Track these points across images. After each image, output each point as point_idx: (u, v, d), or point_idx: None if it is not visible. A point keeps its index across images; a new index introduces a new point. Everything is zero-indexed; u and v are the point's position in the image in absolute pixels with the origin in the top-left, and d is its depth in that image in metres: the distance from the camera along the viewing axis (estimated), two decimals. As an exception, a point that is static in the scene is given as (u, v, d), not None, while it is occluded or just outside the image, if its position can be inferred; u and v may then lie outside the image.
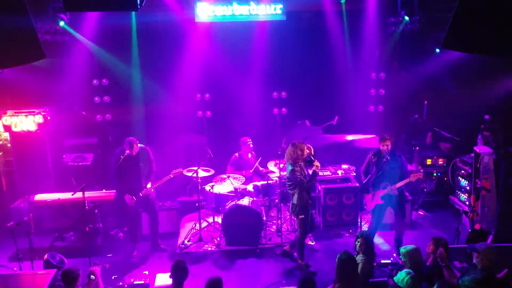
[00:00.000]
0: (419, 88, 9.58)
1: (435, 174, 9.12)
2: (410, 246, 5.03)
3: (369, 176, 7.07)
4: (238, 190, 7.94)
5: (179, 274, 4.84)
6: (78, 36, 8.75)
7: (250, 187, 8.09)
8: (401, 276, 4.60)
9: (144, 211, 7.68)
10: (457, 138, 9.19)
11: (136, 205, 7.32)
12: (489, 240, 6.79)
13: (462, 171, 8.40)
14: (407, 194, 8.46)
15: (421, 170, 8.06)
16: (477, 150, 7.72)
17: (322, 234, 8.10)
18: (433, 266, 5.09)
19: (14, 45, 4.19)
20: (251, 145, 8.57)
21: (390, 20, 9.29)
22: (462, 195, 8.40)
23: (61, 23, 8.27)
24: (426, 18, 8.74)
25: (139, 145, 7.28)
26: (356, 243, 5.46)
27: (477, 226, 6.97)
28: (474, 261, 4.73)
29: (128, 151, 7.06)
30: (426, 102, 9.21)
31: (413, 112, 9.59)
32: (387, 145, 6.97)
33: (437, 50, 8.98)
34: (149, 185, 7.42)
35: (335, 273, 4.80)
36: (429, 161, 9.11)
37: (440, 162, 9.11)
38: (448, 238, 5.68)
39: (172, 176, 7.68)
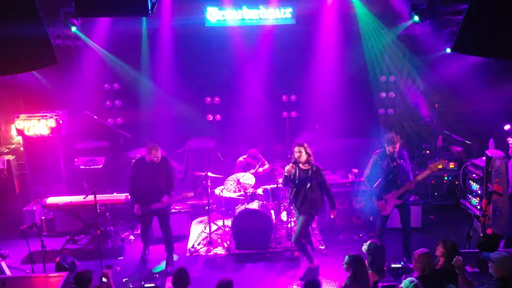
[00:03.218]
0: (429, 91, 9.53)
1: (446, 178, 9.05)
2: (421, 250, 4.99)
3: (379, 180, 6.92)
4: (248, 194, 7.95)
5: (179, 284, 4.84)
6: (89, 42, 8.84)
7: (260, 191, 8.10)
8: (405, 283, 4.53)
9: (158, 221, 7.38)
10: (468, 141, 9.12)
11: (146, 214, 7.10)
12: (501, 245, 6.73)
13: (474, 175, 8.33)
14: (417, 197, 8.43)
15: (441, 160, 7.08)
16: (489, 154, 7.66)
17: (332, 238, 8.08)
18: (443, 270, 5.04)
19: (27, 50, 4.24)
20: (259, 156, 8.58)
21: (401, 23, 9.26)
22: (474, 199, 8.33)
23: (73, 29, 8.35)
24: (436, 20, 8.70)
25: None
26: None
27: (489, 231, 6.90)
28: (490, 271, 4.67)
29: (149, 158, 6.83)
30: (436, 105, 9.16)
31: (424, 115, 9.54)
32: (395, 148, 6.86)
33: (448, 50, 8.91)
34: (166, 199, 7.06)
35: (348, 274, 4.80)
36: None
37: (451, 166, 9.04)
38: (459, 243, 5.63)
39: (182, 197, 7.45)
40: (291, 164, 6.59)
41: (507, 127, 8.05)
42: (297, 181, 6.61)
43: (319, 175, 6.61)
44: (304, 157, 6.55)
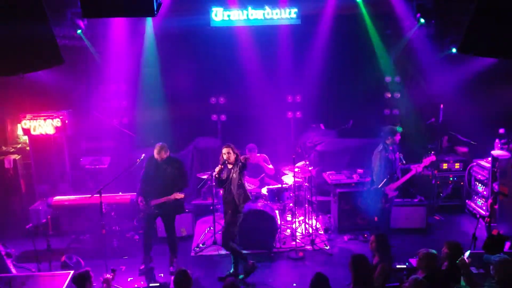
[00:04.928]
0: (435, 92, 9.50)
1: (451, 179, 9.03)
2: (426, 249, 4.99)
3: (393, 172, 6.99)
4: (252, 194, 7.95)
5: (180, 285, 4.85)
6: (91, 47, 8.87)
7: (264, 191, 8.10)
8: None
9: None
10: (474, 142, 9.09)
11: (150, 211, 7.08)
12: (507, 246, 6.69)
13: (479, 176, 8.30)
14: (422, 198, 8.41)
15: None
16: (494, 155, 7.63)
17: (337, 239, 8.08)
18: (449, 271, 5.04)
19: (34, 51, 4.27)
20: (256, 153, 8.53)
21: (406, 24, 9.24)
22: (479, 199, 8.30)
23: (78, 31, 8.38)
24: (442, 21, 8.67)
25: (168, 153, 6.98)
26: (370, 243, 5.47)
27: (495, 232, 6.87)
28: (492, 272, 4.67)
29: (156, 156, 6.88)
30: (442, 105, 9.13)
31: (429, 115, 9.51)
32: (396, 139, 7.01)
33: (454, 50, 8.87)
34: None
35: (351, 275, 4.81)
36: (445, 165, 9.03)
37: (456, 167, 9.02)
38: (465, 244, 5.62)
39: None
40: (220, 166, 6.64)
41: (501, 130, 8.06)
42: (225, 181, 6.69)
43: (238, 169, 6.61)
44: (232, 157, 6.63)
